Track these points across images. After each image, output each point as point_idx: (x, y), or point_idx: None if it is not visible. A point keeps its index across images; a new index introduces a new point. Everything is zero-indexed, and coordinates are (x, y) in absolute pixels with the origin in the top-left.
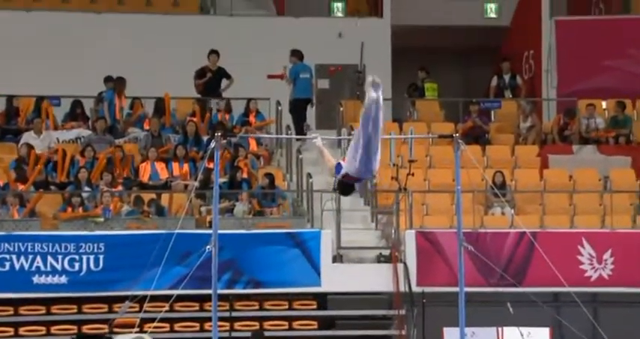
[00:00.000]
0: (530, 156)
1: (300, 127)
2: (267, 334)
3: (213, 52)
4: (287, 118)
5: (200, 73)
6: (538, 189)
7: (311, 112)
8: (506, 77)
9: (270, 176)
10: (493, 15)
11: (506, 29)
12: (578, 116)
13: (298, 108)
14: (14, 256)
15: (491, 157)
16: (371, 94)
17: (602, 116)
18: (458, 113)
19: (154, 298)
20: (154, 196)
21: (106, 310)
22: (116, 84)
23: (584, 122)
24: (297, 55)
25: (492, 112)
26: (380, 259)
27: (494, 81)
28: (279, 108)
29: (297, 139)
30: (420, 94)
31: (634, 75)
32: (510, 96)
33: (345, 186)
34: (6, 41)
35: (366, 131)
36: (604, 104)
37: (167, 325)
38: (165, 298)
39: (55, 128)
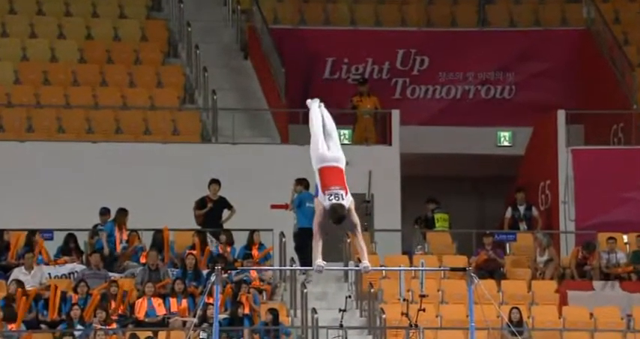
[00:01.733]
0: (548, 292)
1: (305, 259)
2: None
3: (214, 182)
4: (291, 251)
5: (200, 204)
6: (557, 327)
7: None
8: (521, 208)
9: (274, 312)
10: (507, 143)
11: (520, 158)
12: (598, 250)
13: (303, 238)
14: None
15: (507, 293)
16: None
17: (623, 251)
18: (471, 246)
19: None
20: (150, 334)
21: None
22: (117, 215)
23: (605, 257)
24: (302, 183)
25: (507, 245)
26: None
27: (509, 212)
28: (283, 240)
29: (302, 273)
30: (430, 225)
31: None
32: (526, 228)
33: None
34: None
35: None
36: (625, 238)
37: None
38: None
39: (47, 263)
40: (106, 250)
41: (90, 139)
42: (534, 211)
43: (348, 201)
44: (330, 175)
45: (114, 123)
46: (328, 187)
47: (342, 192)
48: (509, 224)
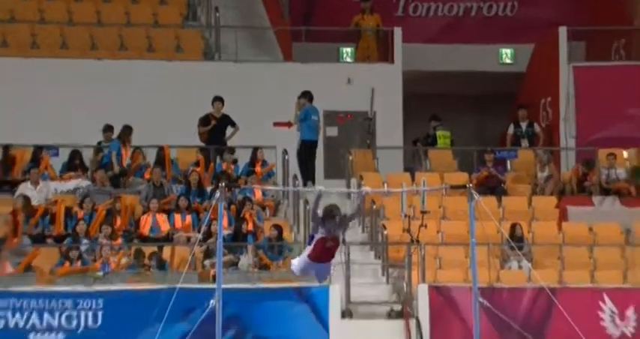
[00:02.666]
0: (548, 208)
1: (308, 173)
2: None
3: (218, 99)
4: (293, 168)
5: (204, 121)
6: (556, 242)
7: (319, 162)
8: (524, 125)
9: (278, 228)
10: (508, 61)
11: (522, 75)
12: (598, 166)
13: (306, 152)
14: (9, 313)
15: (507, 209)
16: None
17: (623, 166)
18: (472, 163)
19: None
20: (155, 249)
21: None
22: (122, 132)
23: (605, 173)
24: (307, 96)
25: (508, 162)
26: (391, 315)
27: (511, 129)
28: (286, 157)
29: (304, 184)
30: (432, 142)
31: None
32: (527, 145)
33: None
34: (3, 89)
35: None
36: (625, 154)
37: None
38: None
39: (53, 179)
40: (116, 168)
41: (94, 56)
42: (536, 128)
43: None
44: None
45: (117, 40)
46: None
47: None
48: (511, 141)
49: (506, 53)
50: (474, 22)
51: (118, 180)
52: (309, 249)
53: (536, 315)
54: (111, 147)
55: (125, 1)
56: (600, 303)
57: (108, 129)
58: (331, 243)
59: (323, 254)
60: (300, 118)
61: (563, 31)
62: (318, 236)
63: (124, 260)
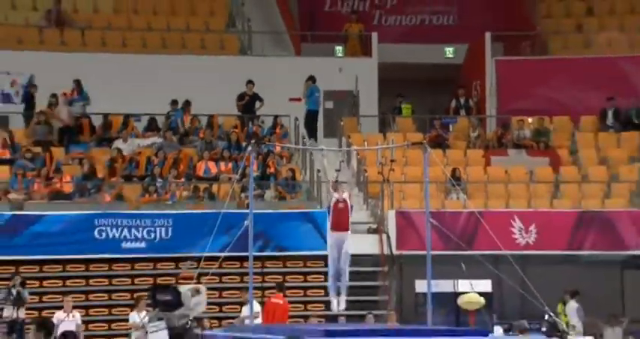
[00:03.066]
0: (478, 157)
1: (312, 133)
2: (288, 284)
3: (250, 82)
4: (303, 130)
5: (240, 97)
6: (483, 181)
7: (319, 124)
8: (462, 100)
9: (292, 171)
10: (451, 55)
11: (460, 66)
12: (512, 129)
13: (311, 118)
14: (108, 228)
15: (450, 158)
16: None
17: (528, 128)
18: (425, 126)
19: (208, 259)
20: (207, 185)
21: (173, 267)
22: (184, 105)
23: (516, 133)
24: (312, 79)
25: (450, 126)
26: (369, 231)
27: (453, 103)
28: (297, 123)
29: (310, 138)
30: (399, 112)
31: (552, 99)
32: (464, 114)
33: None
34: (104, 76)
35: None
36: (530, 120)
37: (217, 278)
38: (215, 259)
39: (137, 137)
40: (181, 129)
41: (164, 52)
42: (471, 102)
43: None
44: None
45: (180, 41)
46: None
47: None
48: (453, 111)
49: (449, 50)
50: (427, 29)
51: (182, 137)
52: (328, 223)
53: (469, 231)
54: (176, 115)
55: (185, 14)
56: (512, 221)
57: (174, 103)
58: (342, 205)
59: (340, 217)
60: (307, 94)
61: (488, 35)
62: (332, 201)
63: (185, 193)
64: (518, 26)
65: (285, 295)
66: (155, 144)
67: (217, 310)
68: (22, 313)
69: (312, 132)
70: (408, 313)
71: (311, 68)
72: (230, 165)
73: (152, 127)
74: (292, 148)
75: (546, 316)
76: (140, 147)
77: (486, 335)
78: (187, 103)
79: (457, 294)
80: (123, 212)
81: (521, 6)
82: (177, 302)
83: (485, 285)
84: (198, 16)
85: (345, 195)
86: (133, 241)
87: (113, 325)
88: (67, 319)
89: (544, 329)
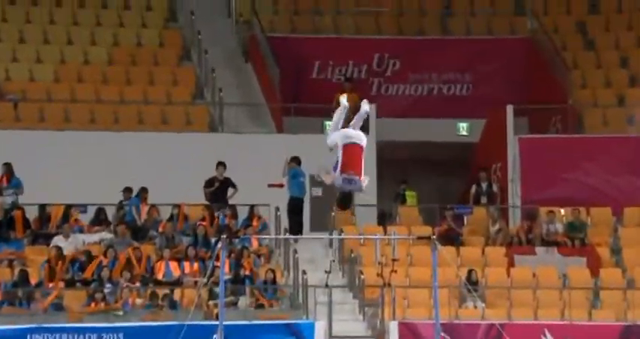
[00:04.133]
0: (499, 256)
1: (296, 226)
2: None
3: (221, 164)
4: (285, 222)
5: (209, 183)
6: (505, 285)
7: (305, 216)
8: (484, 185)
9: (272, 272)
10: (464, 132)
11: (475, 145)
12: (540, 221)
13: (295, 208)
14: None
15: (464, 257)
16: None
17: (560, 222)
18: (434, 218)
19: None
20: (167, 291)
21: None
22: (140, 192)
23: (545, 227)
24: (295, 160)
25: (465, 217)
26: None
27: (474, 189)
28: (278, 213)
29: (295, 240)
30: (402, 201)
31: (587, 185)
32: (486, 202)
33: (344, 197)
34: (41, 157)
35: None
36: (562, 211)
37: None
38: None
39: (81, 232)
40: (137, 222)
41: (117, 129)
42: (494, 188)
43: (362, 184)
44: (351, 155)
45: (136, 115)
46: (347, 171)
47: (357, 178)
48: (473, 199)
49: (463, 126)
50: (435, 100)
51: (137, 232)
52: (339, 161)
53: None
54: (130, 204)
55: (143, 82)
56: (541, 336)
57: (127, 190)
58: (357, 147)
59: (353, 158)
60: (289, 175)
61: (510, 108)
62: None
63: (140, 300)
64: (547, 98)
65: None
66: (104, 240)
67: None
68: None
69: (296, 225)
70: None
71: (295, 147)
72: (196, 265)
73: (100, 219)
74: (272, 244)
75: None
76: (85, 244)
77: None
78: (144, 191)
79: None
80: (63, 326)
81: (550, 74)
82: None
83: None
84: (159, 85)
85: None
86: None
87: None
88: None
89: None
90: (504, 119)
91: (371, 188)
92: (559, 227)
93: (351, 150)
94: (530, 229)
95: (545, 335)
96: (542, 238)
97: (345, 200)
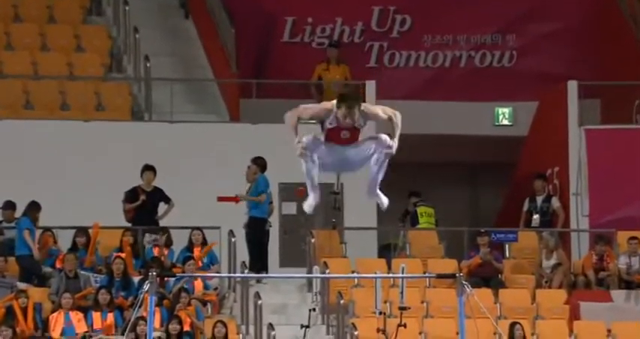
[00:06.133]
0: (557, 303)
1: (260, 260)
2: None
3: (148, 169)
4: (242, 254)
5: (130, 196)
6: None
7: (273, 245)
8: (539, 200)
9: (224, 328)
10: (506, 122)
11: (522, 140)
12: (617, 253)
13: (255, 230)
14: None
15: (506, 305)
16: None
17: None
18: (462, 247)
19: None
20: None
21: None
22: (30, 210)
23: (625, 261)
24: (258, 163)
25: (507, 246)
26: None
27: (526, 205)
28: (233, 240)
29: (257, 280)
30: (413, 222)
31: None
32: (537, 224)
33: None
34: None
35: None
36: None
37: None
38: None
39: None
40: (37, 254)
41: None
42: (555, 203)
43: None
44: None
45: (22, 96)
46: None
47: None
48: (525, 220)
49: (504, 113)
50: (463, 75)
51: (25, 270)
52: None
53: None
54: (21, 224)
55: (32, 48)
56: None
57: (9, 206)
58: (347, 134)
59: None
60: (251, 193)
61: (572, 86)
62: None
63: None
64: (626, 73)
65: None
66: None
67: None
68: None
69: (259, 257)
70: None
71: (257, 143)
72: (111, 318)
73: None
74: (224, 286)
75: None
76: None
77: None
78: (35, 207)
79: None
80: None
81: (631, 37)
82: None
83: None
84: (56, 51)
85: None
86: None
87: None
88: None
89: None
90: (565, 102)
91: (368, 205)
92: None
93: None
94: (604, 263)
95: None
96: (621, 278)
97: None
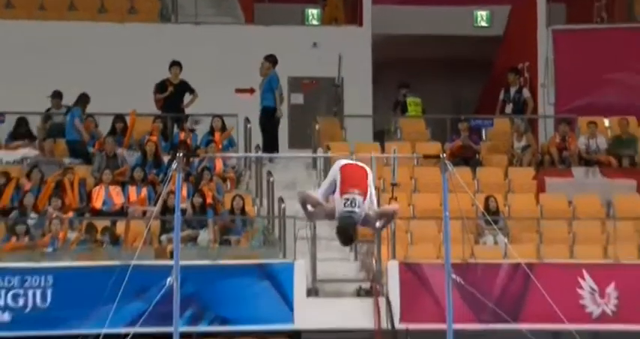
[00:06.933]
0: (526, 179)
1: (272, 143)
2: None
3: (175, 64)
4: (256, 138)
5: (160, 87)
6: (534, 216)
7: (283, 131)
8: (512, 91)
9: (241, 200)
10: (484, 23)
11: (498, 39)
12: (578, 135)
13: (270, 118)
14: None
15: (483, 181)
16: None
17: (604, 136)
18: (445, 132)
19: (109, 338)
20: (108, 223)
21: None
22: (81, 101)
23: (585, 143)
24: (271, 60)
25: (483, 131)
26: (360, 293)
27: (502, 95)
28: (249, 126)
29: (269, 160)
30: (403, 111)
31: (639, 89)
32: (511, 112)
33: (345, 227)
34: None
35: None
36: (606, 122)
37: None
38: (121, 338)
39: None
40: (85, 136)
41: (40, 17)
42: (525, 94)
43: (365, 207)
44: (352, 172)
45: (66, 1)
46: (347, 190)
47: (361, 198)
48: (500, 108)
49: (482, 15)
50: None
51: (70, 150)
52: (337, 181)
53: (512, 292)
54: (73, 114)
55: None
56: (580, 279)
57: (57, 95)
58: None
59: (355, 176)
60: (263, 84)
61: None
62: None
63: (74, 235)
64: None
65: None
66: (27, 160)
67: None
68: None
69: (271, 140)
70: None
71: (270, 42)
72: (144, 192)
73: (22, 133)
74: (241, 165)
75: None
76: (3, 164)
77: None
78: (85, 98)
79: None
80: None
81: None
82: None
83: None
84: None
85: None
86: None
87: None
88: None
89: None
90: (534, 5)
91: (365, 96)
92: (602, 143)
93: (352, 168)
94: (566, 145)
95: (584, 278)
96: (581, 157)
97: (346, 232)
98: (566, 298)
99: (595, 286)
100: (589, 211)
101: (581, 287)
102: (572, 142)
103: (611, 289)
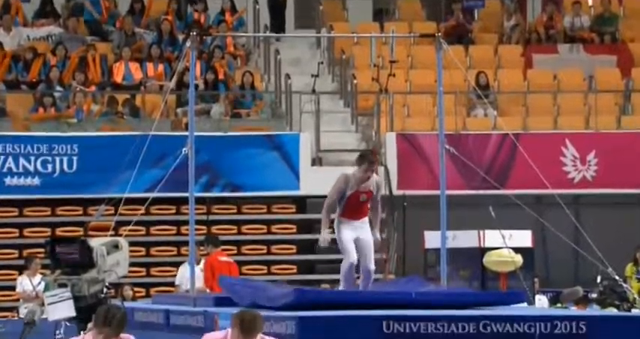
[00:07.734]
0: (514, 56)
1: (279, 22)
2: (245, 238)
3: None
4: (264, 18)
5: None
6: (521, 90)
7: (289, 10)
8: None
9: (250, 76)
10: None
11: None
12: (564, 14)
13: (278, 1)
14: None
15: (474, 58)
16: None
17: (587, 14)
18: (440, 12)
19: (130, 202)
20: (128, 97)
21: (80, 213)
22: None
23: (569, 21)
24: None
25: (476, 11)
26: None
27: None
28: (257, 7)
29: (277, 39)
30: None
31: None
32: None
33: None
34: None
35: None
36: (590, 1)
37: (143, 228)
38: (141, 202)
39: (25, 25)
40: (95, 15)
41: None
42: None
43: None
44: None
45: None
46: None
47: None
48: None
49: None
50: None
51: (93, 27)
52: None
53: (500, 160)
54: None
55: None
56: (562, 148)
57: None
58: (364, 196)
59: (357, 208)
60: None
61: None
62: (348, 193)
63: (97, 107)
64: None
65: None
66: (52, 36)
67: (144, 273)
68: None
69: (278, 20)
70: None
71: None
72: (161, 67)
73: (47, 11)
74: (250, 43)
75: (604, 281)
76: (30, 40)
77: (522, 300)
78: None
79: (483, 250)
80: (6, 134)
81: None
82: (86, 262)
83: (524, 238)
84: None
85: (375, 180)
86: (21, 175)
87: None
88: None
89: (602, 296)
90: None
91: None
92: (585, 21)
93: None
94: (552, 23)
95: (566, 146)
96: (566, 34)
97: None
98: (549, 165)
99: (576, 154)
100: (572, 84)
101: (563, 155)
102: (557, 20)
103: (591, 156)
